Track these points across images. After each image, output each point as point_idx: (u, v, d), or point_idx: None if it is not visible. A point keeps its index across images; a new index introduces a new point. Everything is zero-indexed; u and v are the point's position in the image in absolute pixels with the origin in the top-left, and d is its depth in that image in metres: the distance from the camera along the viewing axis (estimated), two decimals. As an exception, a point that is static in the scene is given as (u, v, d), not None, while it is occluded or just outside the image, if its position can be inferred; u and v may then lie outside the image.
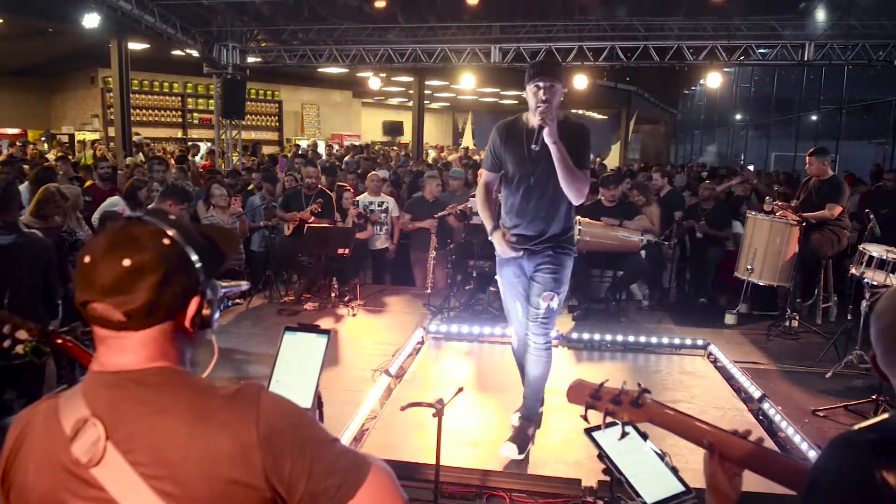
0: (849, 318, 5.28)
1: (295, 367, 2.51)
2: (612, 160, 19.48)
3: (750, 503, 1.37)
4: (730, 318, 6.12)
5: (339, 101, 22.22)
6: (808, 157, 6.25)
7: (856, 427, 1.12)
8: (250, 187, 8.64)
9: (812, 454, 3.43)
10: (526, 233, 3.40)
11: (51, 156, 11.41)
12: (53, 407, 1.07)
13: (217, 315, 1.16)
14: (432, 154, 18.49)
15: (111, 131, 14.83)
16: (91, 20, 9.54)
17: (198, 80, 17.63)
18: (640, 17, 11.27)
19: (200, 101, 18.37)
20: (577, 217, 5.98)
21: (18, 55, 15.24)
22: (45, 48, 14.68)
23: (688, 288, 7.37)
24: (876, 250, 4.94)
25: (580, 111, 23.60)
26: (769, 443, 2.84)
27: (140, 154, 12.27)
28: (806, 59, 11.06)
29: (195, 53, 12.04)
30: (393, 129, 24.56)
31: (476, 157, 14.59)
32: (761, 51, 11.52)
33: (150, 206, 5.26)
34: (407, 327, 5.63)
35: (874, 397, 4.05)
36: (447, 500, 3.00)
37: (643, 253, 6.49)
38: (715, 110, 24.36)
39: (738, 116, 22.74)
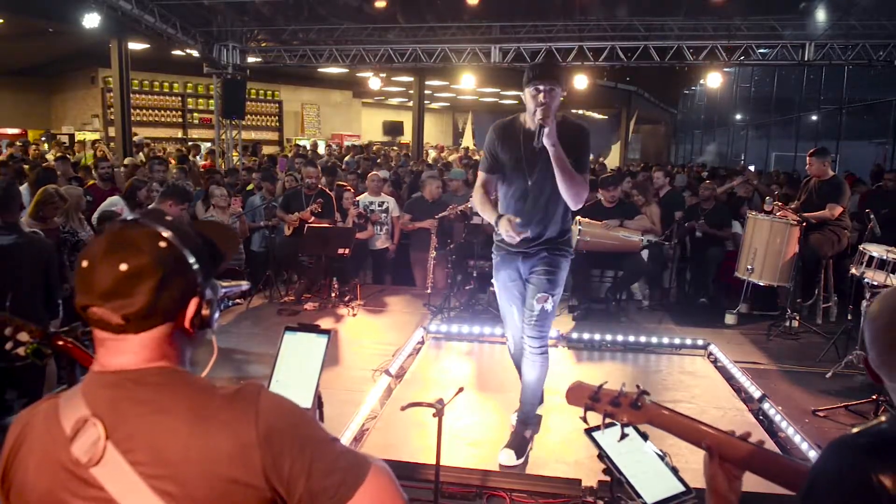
0: (849, 318, 5.28)
1: (295, 367, 2.51)
2: (612, 160, 19.49)
3: (750, 503, 1.37)
4: (730, 318, 6.12)
5: (340, 101, 22.22)
6: (808, 158, 6.25)
7: (854, 429, 1.12)
8: (250, 187, 8.64)
9: (812, 454, 3.43)
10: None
11: (50, 156, 11.41)
12: (53, 407, 1.07)
13: (217, 315, 1.16)
14: (432, 154, 18.49)
15: (111, 131, 14.84)
16: (91, 20, 9.54)
17: (198, 80, 17.64)
18: (641, 17, 11.27)
19: (200, 101, 18.38)
20: (577, 217, 6.00)
21: (18, 55, 15.24)
22: (46, 48, 14.68)
23: (688, 288, 7.37)
24: (876, 250, 4.94)
25: (580, 111, 23.63)
26: (769, 443, 2.84)
27: (141, 154, 12.28)
28: (806, 59, 11.06)
29: (195, 53, 12.04)
30: (393, 129, 24.57)
31: (476, 157, 14.59)
32: (761, 51, 11.51)
33: (149, 207, 5.27)
34: (407, 327, 5.63)
35: (874, 397, 4.05)
36: (447, 500, 3.00)
37: (646, 253, 6.50)
38: (715, 110, 24.36)
39: (739, 116, 22.74)
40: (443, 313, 5.97)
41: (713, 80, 12.54)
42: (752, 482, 1.41)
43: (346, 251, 6.13)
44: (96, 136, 15.54)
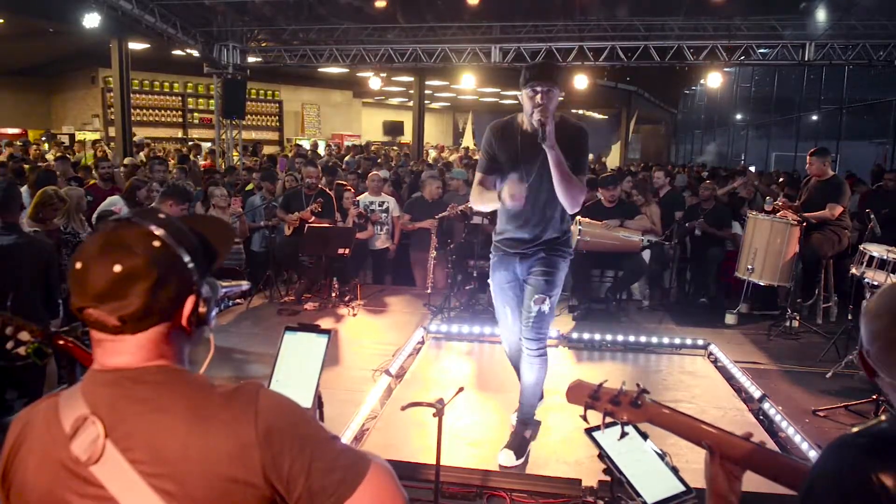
0: (849, 318, 5.27)
1: (295, 367, 2.51)
2: (613, 160, 19.51)
3: (750, 503, 1.37)
4: (730, 318, 6.12)
5: (340, 101, 22.23)
6: (808, 158, 6.25)
7: (854, 429, 1.12)
8: (250, 187, 8.64)
9: (812, 454, 3.43)
10: (520, 236, 3.35)
11: (50, 156, 11.42)
12: (53, 406, 1.07)
13: (214, 312, 1.15)
14: (433, 154, 18.49)
15: (111, 131, 14.85)
16: (91, 20, 9.55)
17: (198, 80, 17.65)
18: (641, 17, 11.28)
19: (201, 100, 18.39)
20: (578, 217, 5.99)
21: (19, 55, 15.25)
22: (46, 48, 14.69)
23: (688, 288, 7.37)
24: (876, 250, 4.94)
25: (580, 111, 23.64)
26: (770, 443, 2.84)
27: (141, 154, 12.28)
28: (806, 59, 11.06)
29: (195, 53, 12.04)
30: (393, 129, 24.58)
31: (476, 157, 14.57)
32: (762, 51, 11.51)
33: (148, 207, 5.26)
34: (407, 327, 5.63)
35: (875, 397, 4.04)
36: (447, 500, 3.00)
37: (647, 253, 6.49)
38: (715, 110, 24.35)
39: (739, 116, 22.73)
40: (443, 313, 5.97)
41: (713, 80, 12.55)
42: (752, 482, 1.41)
43: (347, 251, 6.13)
44: (96, 136, 15.55)
